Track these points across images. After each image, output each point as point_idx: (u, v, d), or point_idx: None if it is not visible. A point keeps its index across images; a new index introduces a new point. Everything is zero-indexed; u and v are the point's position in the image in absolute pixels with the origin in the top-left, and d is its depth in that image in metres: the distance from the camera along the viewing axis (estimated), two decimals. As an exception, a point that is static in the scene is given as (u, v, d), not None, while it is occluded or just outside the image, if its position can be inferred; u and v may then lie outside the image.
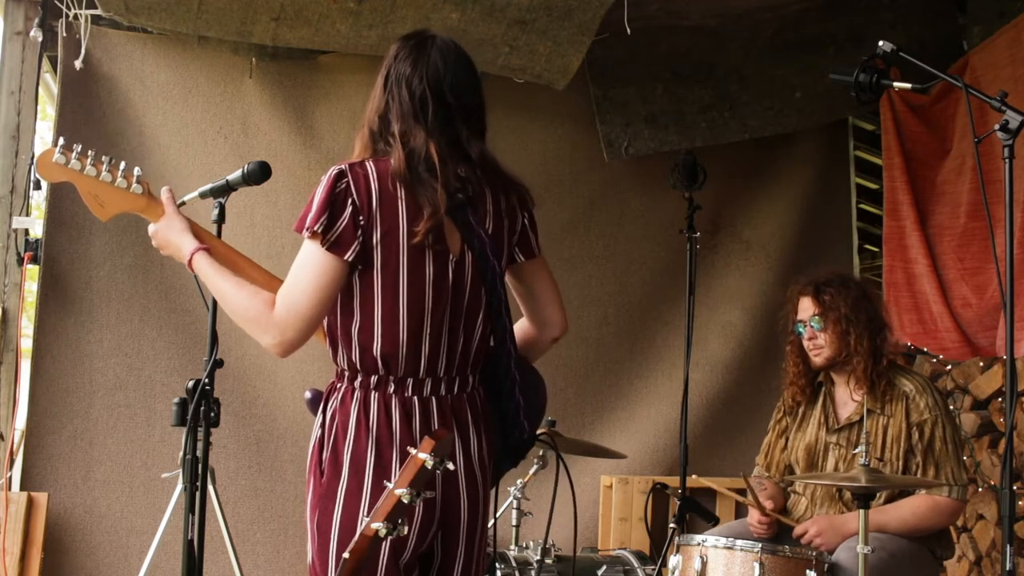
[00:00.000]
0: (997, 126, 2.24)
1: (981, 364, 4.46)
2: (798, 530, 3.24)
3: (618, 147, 4.75)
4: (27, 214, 4.38)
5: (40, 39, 4.38)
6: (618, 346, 4.98)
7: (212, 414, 2.71)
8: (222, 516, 3.72)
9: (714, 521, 3.48)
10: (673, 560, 3.06)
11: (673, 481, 3.58)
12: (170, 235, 2.24)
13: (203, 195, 2.81)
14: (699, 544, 3.00)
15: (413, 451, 1.92)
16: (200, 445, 2.72)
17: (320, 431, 2.12)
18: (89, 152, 2.19)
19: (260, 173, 2.77)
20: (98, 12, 4.21)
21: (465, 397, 2.17)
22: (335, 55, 4.60)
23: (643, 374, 4.97)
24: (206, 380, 2.67)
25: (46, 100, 4.94)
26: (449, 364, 2.14)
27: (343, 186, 2.06)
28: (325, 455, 2.10)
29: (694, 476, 3.51)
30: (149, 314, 4.44)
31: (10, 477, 4.17)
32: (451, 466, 1.93)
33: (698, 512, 3.34)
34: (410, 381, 2.11)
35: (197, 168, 4.45)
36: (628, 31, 3.88)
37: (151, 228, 2.26)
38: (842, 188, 5.37)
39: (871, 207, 5.83)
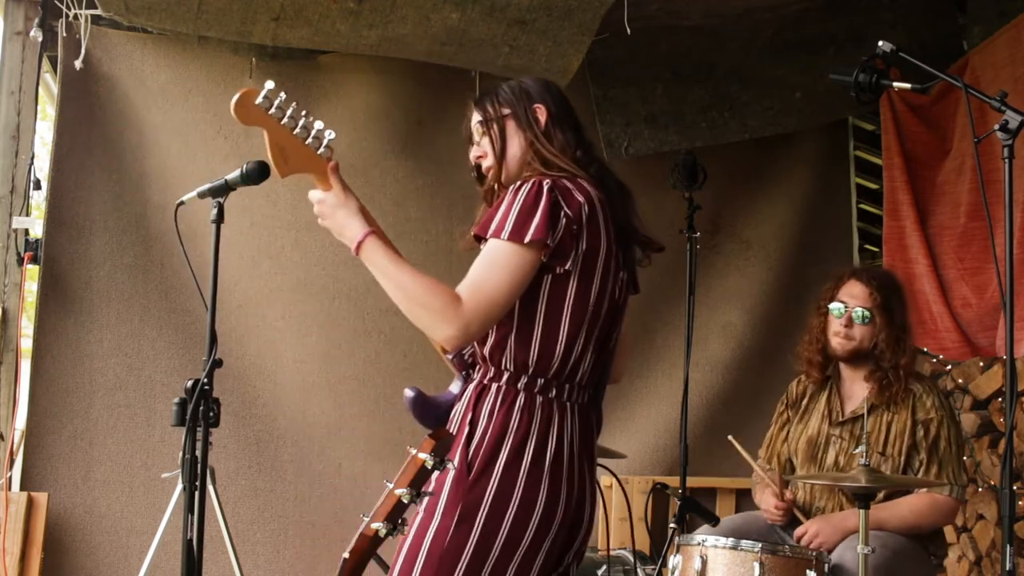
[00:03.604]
0: (997, 126, 2.24)
1: (981, 364, 4.46)
2: (797, 532, 3.25)
3: (618, 147, 4.75)
4: (27, 214, 4.37)
5: (40, 39, 4.38)
6: (618, 346, 4.98)
7: (212, 414, 2.72)
8: (222, 516, 3.72)
9: (714, 521, 3.48)
10: (673, 560, 3.06)
11: (673, 481, 3.58)
12: (337, 212, 2.17)
13: (201, 195, 2.81)
14: (699, 544, 3.00)
15: (413, 451, 1.93)
16: (200, 445, 2.72)
17: (469, 428, 2.13)
18: (292, 104, 2.12)
19: (259, 173, 2.77)
20: (98, 12, 4.21)
21: (590, 407, 2.26)
22: (335, 55, 4.60)
23: (643, 374, 4.97)
24: (206, 380, 2.67)
25: (46, 100, 4.94)
26: (590, 374, 2.22)
27: (556, 198, 2.11)
28: (476, 451, 2.11)
29: (730, 436, 3.45)
30: (149, 314, 4.44)
31: (10, 477, 4.17)
32: (451, 466, 1.95)
33: (698, 512, 3.34)
34: (567, 386, 2.18)
35: (197, 168, 4.45)
36: (628, 31, 3.88)
37: (318, 195, 2.20)
38: (842, 188, 5.37)
39: (871, 207, 5.83)
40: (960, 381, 4.61)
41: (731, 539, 2.98)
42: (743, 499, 4.75)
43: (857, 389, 3.37)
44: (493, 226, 2.10)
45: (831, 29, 4.58)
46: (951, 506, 3.22)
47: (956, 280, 4.48)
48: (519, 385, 2.14)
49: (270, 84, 2.09)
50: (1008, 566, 2.19)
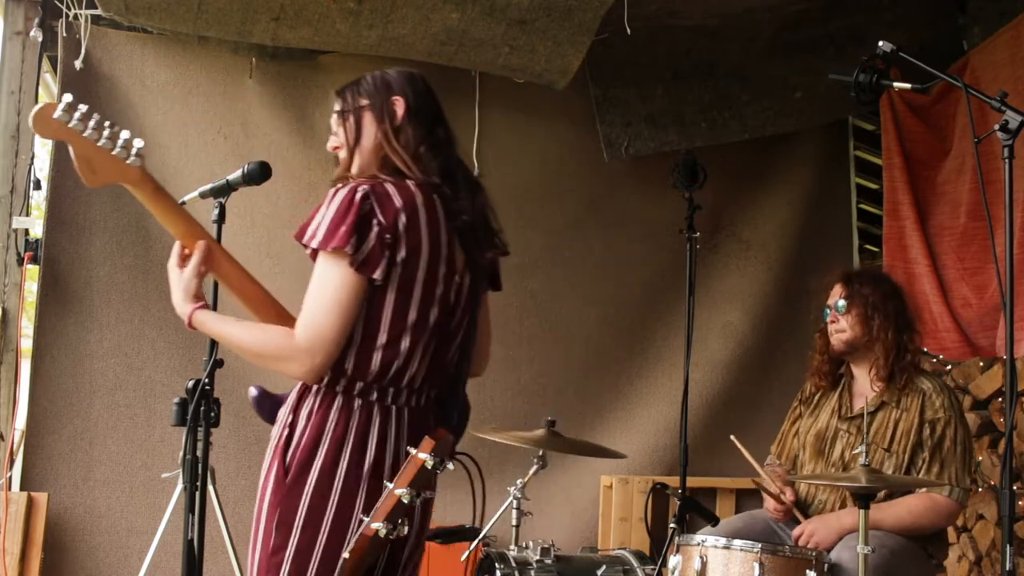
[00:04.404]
0: (997, 126, 2.24)
1: (981, 364, 4.47)
2: (794, 533, 3.27)
3: (618, 147, 4.75)
4: (27, 214, 4.37)
5: (40, 39, 4.38)
6: (618, 346, 4.98)
7: (212, 414, 2.72)
8: (222, 516, 3.71)
9: (714, 521, 3.48)
10: (673, 560, 3.05)
11: (673, 481, 3.57)
12: (175, 288, 2.24)
13: (203, 195, 2.82)
14: (699, 544, 3.00)
15: (413, 451, 1.93)
16: (200, 445, 2.72)
17: (288, 430, 2.14)
18: (93, 115, 2.13)
19: (260, 173, 2.78)
20: (98, 12, 4.21)
21: (428, 409, 2.24)
22: (335, 55, 4.60)
23: (643, 374, 4.97)
24: (206, 380, 2.67)
25: (46, 100, 4.94)
26: (426, 377, 2.20)
27: (368, 207, 2.08)
28: (293, 454, 2.11)
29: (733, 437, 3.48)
30: (149, 314, 4.44)
31: (10, 477, 4.17)
32: (451, 466, 1.95)
33: (698, 512, 3.34)
34: (391, 390, 2.16)
35: (197, 168, 4.45)
36: (628, 31, 3.88)
37: (171, 263, 2.27)
38: (842, 188, 5.37)
39: (871, 207, 5.83)
40: (960, 381, 4.61)
41: (731, 539, 2.98)
42: (743, 499, 4.75)
43: (867, 387, 3.40)
44: (308, 233, 2.10)
45: (831, 29, 4.58)
46: (950, 508, 3.21)
47: (956, 280, 4.49)
48: (338, 388, 2.13)
49: (68, 97, 2.11)
50: (1008, 566, 2.19)
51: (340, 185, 2.13)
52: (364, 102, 2.26)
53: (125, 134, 2.17)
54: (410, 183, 2.17)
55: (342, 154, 2.29)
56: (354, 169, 2.25)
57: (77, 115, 2.10)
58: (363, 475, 2.10)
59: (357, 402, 2.13)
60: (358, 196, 2.08)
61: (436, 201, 2.19)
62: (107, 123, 2.14)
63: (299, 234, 2.13)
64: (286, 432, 2.14)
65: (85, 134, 2.11)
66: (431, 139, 2.24)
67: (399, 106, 2.24)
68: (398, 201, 2.12)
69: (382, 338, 2.12)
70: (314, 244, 2.08)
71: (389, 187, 2.14)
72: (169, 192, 2.29)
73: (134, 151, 2.17)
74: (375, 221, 2.08)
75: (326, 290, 2.07)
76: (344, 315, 2.07)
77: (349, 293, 2.07)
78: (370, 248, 2.07)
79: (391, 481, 1.93)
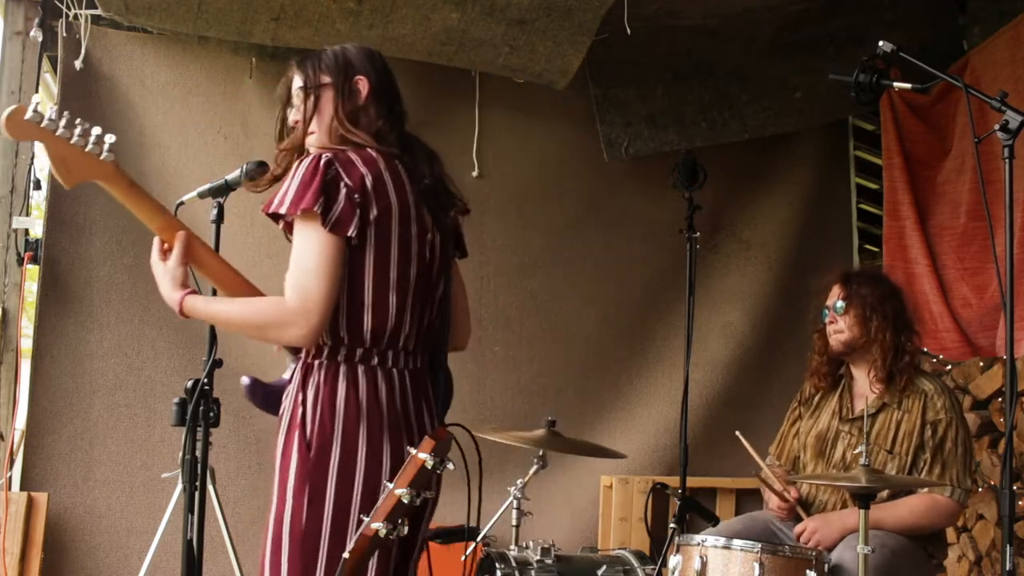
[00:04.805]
0: (997, 126, 2.24)
1: (981, 364, 4.47)
2: (796, 530, 3.28)
3: (618, 147, 4.75)
4: (27, 214, 4.38)
5: (40, 39, 4.38)
6: (618, 346, 4.98)
7: (212, 414, 2.73)
8: (222, 516, 3.71)
9: (714, 521, 3.48)
10: (673, 560, 3.05)
11: (673, 481, 3.57)
12: (161, 280, 2.27)
13: (202, 195, 2.82)
14: (699, 544, 2.99)
15: (413, 451, 1.93)
16: (200, 445, 2.72)
17: (302, 408, 2.15)
18: (64, 114, 2.14)
19: (259, 173, 2.78)
20: (98, 12, 4.21)
21: (424, 372, 2.29)
22: (335, 55, 4.60)
23: (643, 374, 4.97)
24: (205, 380, 2.68)
25: (46, 100, 4.94)
26: (417, 339, 2.25)
27: (334, 172, 2.13)
28: (312, 430, 2.13)
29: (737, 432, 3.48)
30: (149, 314, 4.44)
31: (10, 477, 4.17)
32: (451, 466, 1.96)
33: (698, 512, 3.34)
34: (390, 353, 2.20)
35: (197, 168, 4.44)
36: (628, 31, 3.89)
37: (153, 257, 2.30)
38: (842, 188, 5.37)
39: (871, 207, 5.83)
40: (960, 381, 4.61)
41: (731, 539, 2.98)
42: (743, 499, 4.75)
43: (867, 388, 3.40)
44: (275, 203, 2.15)
45: (831, 29, 4.58)
46: (951, 508, 3.22)
47: (956, 280, 4.49)
48: (339, 358, 2.17)
49: (36, 98, 2.12)
50: (1008, 566, 2.19)
51: (302, 158, 2.17)
52: (326, 79, 2.29)
53: (96, 130, 2.17)
54: (370, 151, 2.21)
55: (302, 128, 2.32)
56: (312, 142, 2.28)
57: (48, 115, 2.11)
58: (383, 440, 2.13)
59: (360, 368, 2.16)
60: (322, 163, 2.13)
61: (398, 166, 2.23)
62: (78, 120, 2.15)
63: (267, 207, 2.17)
64: (300, 409, 2.16)
65: (58, 133, 2.12)
66: (390, 115, 2.29)
67: (363, 85, 2.28)
68: (362, 166, 2.17)
69: (368, 299, 2.15)
70: (282, 210, 2.12)
71: (351, 155, 2.19)
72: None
73: (106, 146, 2.18)
74: (342, 184, 2.12)
75: (306, 254, 2.11)
76: (328, 274, 2.10)
77: (328, 254, 2.10)
78: (341, 208, 2.10)
79: (412, 446, 1.96)
